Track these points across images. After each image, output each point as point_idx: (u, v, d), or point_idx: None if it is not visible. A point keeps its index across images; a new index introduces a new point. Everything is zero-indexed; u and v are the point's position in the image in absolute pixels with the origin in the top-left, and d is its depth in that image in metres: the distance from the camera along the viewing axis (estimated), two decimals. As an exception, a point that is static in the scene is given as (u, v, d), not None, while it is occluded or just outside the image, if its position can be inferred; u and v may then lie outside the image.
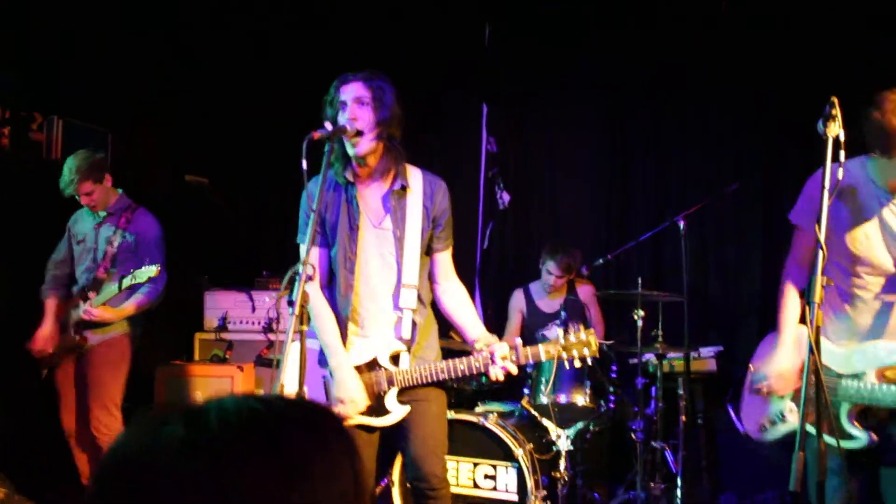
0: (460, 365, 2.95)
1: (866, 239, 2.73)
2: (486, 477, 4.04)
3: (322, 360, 3.07)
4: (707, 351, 5.01)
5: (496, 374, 2.90)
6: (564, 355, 2.94)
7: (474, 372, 2.94)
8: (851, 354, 2.73)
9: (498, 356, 2.90)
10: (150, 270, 4.11)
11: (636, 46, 5.78)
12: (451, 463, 4.06)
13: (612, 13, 5.79)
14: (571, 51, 5.98)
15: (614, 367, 4.45)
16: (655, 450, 4.48)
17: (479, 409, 4.54)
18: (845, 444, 2.65)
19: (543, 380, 4.29)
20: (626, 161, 6.00)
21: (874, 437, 2.66)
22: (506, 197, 5.85)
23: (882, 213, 2.71)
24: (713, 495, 4.78)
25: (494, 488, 4.02)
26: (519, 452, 3.94)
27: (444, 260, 3.16)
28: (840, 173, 2.45)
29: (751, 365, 3.04)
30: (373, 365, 3.03)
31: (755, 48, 5.34)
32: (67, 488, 4.52)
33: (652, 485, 4.40)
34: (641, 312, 4.33)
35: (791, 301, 2.92)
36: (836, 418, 2.68)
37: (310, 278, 2.54)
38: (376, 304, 3.05)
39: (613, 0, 5.80)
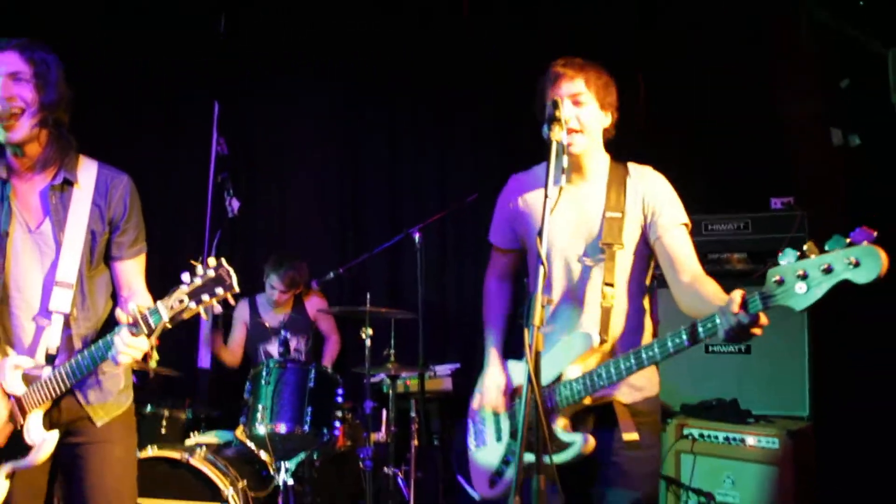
0: (81, 360, 2.38)
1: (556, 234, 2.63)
2: (191, 522, 3.57)
3: None
4: (443, 369, 4.83)
5: (121, 358, 2.29)
6: (192, 305, 2.26)
7: (100, 357, 2.35)
8: (553, 355, 2.51)
9: (119, 339, 2.30)
10: None
11: (374, 40, 5.49)
12: (150, 509, 3.57)
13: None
14: (306, 44, 5.60)
15: (340, 392, 4.11)
16: (388, 476, 4.23)
17: (191, 441, 4.03)
18: (562, 457, 2.44)
19: (260, 407, 3.88)
20: (363, 167, 5.71)
21: (589, 438, 2.45)
22: (235, 204, 5.32)
23: (564, 205, 2.62)
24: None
25: (200, 533, 3.56)
26: (228, 492, 3.56)
27: (130, 270, 2.61)
28: (563, 180, 2.27)
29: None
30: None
31: (480, 53, 5.26)
32: None
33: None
34: (370, 331, 4.05)
35: (493, 322, 2.96)
36: (551, 431, 2.46)
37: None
38: (32, 325, 2.49)
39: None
